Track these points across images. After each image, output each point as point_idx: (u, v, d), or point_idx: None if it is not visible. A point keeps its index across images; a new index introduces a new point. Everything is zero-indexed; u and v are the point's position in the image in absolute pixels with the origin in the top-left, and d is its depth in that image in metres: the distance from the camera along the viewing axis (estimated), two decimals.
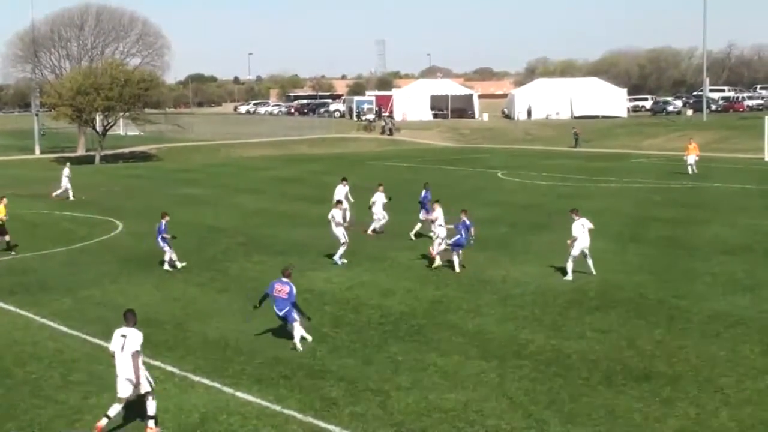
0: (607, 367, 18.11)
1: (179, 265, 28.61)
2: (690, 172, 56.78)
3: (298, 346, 19.67)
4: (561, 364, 18.36)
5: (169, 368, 18.37)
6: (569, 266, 26.38)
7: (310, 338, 20.18)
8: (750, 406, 15.81)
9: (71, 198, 48.34)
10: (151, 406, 15.18)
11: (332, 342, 20.24)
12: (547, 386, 17.00)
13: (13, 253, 31.82)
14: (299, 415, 15.66)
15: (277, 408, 16.04)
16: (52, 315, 22.89)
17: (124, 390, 15.10)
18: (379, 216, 34.93)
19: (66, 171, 49.94)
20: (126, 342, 15.09)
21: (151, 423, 15.12)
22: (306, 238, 34.33)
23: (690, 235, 34.16)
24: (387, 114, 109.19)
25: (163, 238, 28.33)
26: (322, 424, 15.27)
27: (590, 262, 26.87)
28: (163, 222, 28.42)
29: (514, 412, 15.68)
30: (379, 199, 34.95)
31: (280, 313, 19.96)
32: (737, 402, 16.04)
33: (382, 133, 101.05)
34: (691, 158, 57.61)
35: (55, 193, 49.14)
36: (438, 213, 29.17)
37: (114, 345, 15.29)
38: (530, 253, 30.55)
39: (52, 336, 21.09)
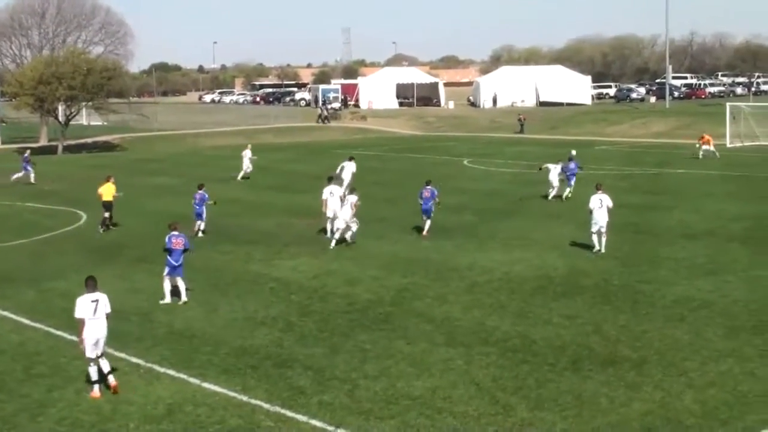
0: (573, 352, 18.21)
1: (199, 234, 31.97)
2: (712, 157, 57.81)
3: (185, 298, 22.61)
4: (527, 350, 18.43)
5: (135, 360, 18.23)
6: (594, 239, 28.06)
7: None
8: (713, 389, 15.97)
9: (243, 178, 51.39)
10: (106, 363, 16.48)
11: (299, 331, 20.20)
12: (513, 372, 17.07)
13: (102, 229, 33.89)
14: (267, 405, 15.61)
15: (245, 398, 15.98)
16: (14, 307, 22.63)
17: (93, 351, 16.21)
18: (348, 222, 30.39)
19: (248, 153, 52.79)
20: (99, 306, 16.30)
21: (112, 378, 16.34)
22: (272, 228, 34.23)
23: (654, 220, 34.42)
24: (322, 102, 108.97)
25: (197, 212, 32.23)
26: (290, 414, 15.23)
27: (603, 240, 28.00)
28: (199, 193, 32.38)
29: (482, 399, 15.73)
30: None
31: (177, 264, 22.62)
32: (701, 385, 16.19)
33: (318, 121, 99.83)
34: (707, 147, 58.66)
35: (240, 176, 51.90)
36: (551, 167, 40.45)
37: (84, 311, 16.26)
38: (496, 240, 30.64)
39: (14, 329, 20.85)
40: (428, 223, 31.60)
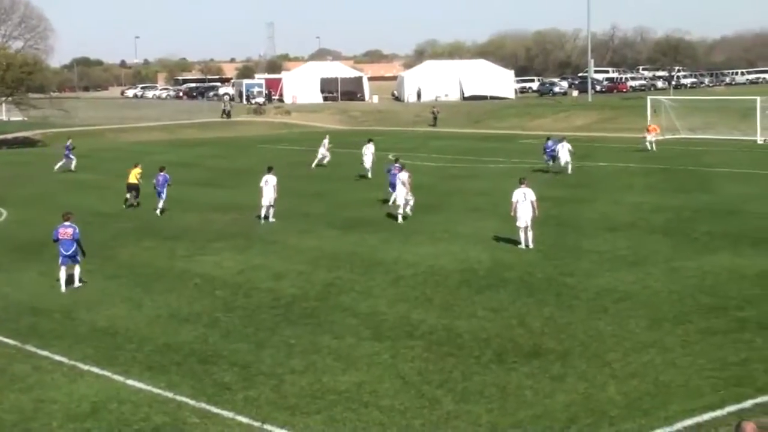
0: (498, 345, 18.34)
1: (157, 212, 35.54)
2: (650, 148, 58.67)
3: (78, 284, 23.52)
4: (453, 343, 18.53)
5: (58, 358, 17.96)
6: (520, 235, 27.89)
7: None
8: (636, 379, 16.20)
9: (318, 166, 52.83)
10: None
11: (224, 327, 20.06)
12: (439, 366, 17.14)
13: (126, 206, 37.43)
14: (192, 402, 15.47)
15: (170, 395, 15.82)
16: None
17: None
18: (405, 197, 33.21)
19: (325, 141, 54.15)
20: None
21: None
22: (196, 223, 33.95)
23: (576, 213, 34.82)
24: (225, 94, 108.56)
25: (159, 192, 35.77)
26: (216, 410, 15.11)
27: (530, 235, 27.86)
28: (161, 175, 36.08)
29: (407, 392, 15.77)
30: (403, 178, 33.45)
31: (67, 253, 23.38)
32: (624, 375, 16.42)
33: (222, 115, 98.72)
34: (651, 137, 59.69)
35: (315, 164, 53.04)
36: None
37: None
38: (421, 234, 30.72)
39: None
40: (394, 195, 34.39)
